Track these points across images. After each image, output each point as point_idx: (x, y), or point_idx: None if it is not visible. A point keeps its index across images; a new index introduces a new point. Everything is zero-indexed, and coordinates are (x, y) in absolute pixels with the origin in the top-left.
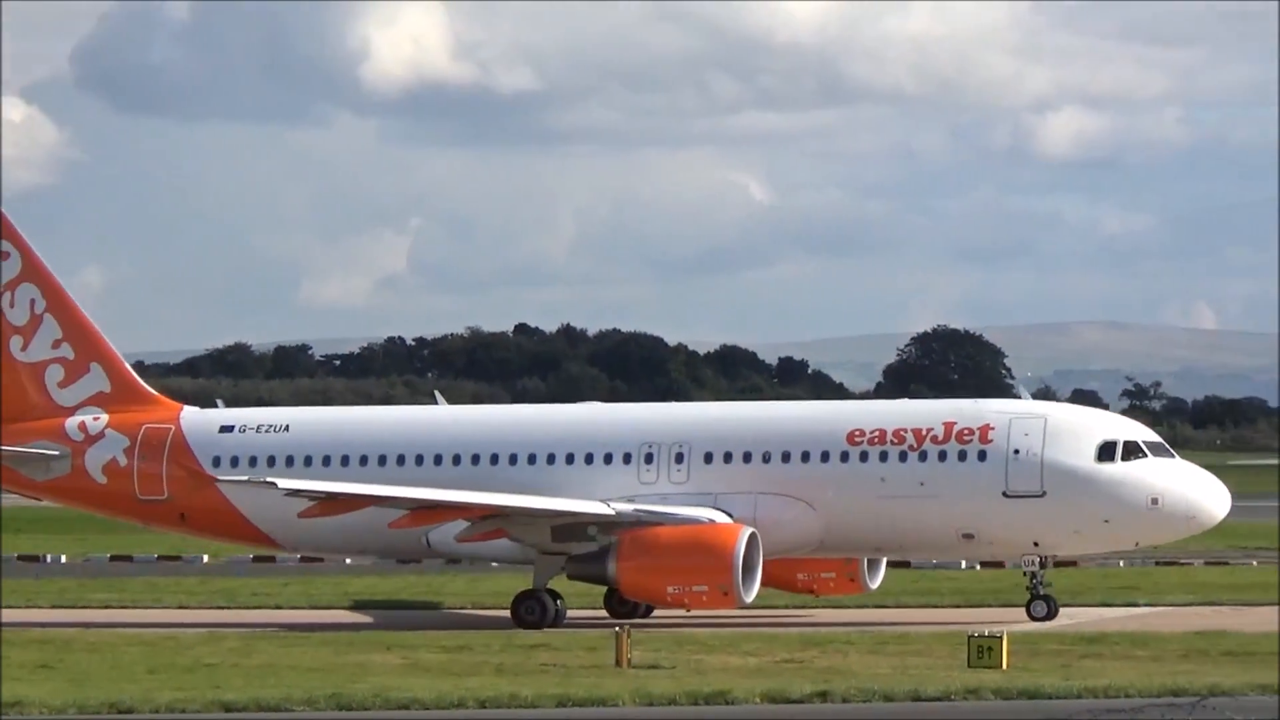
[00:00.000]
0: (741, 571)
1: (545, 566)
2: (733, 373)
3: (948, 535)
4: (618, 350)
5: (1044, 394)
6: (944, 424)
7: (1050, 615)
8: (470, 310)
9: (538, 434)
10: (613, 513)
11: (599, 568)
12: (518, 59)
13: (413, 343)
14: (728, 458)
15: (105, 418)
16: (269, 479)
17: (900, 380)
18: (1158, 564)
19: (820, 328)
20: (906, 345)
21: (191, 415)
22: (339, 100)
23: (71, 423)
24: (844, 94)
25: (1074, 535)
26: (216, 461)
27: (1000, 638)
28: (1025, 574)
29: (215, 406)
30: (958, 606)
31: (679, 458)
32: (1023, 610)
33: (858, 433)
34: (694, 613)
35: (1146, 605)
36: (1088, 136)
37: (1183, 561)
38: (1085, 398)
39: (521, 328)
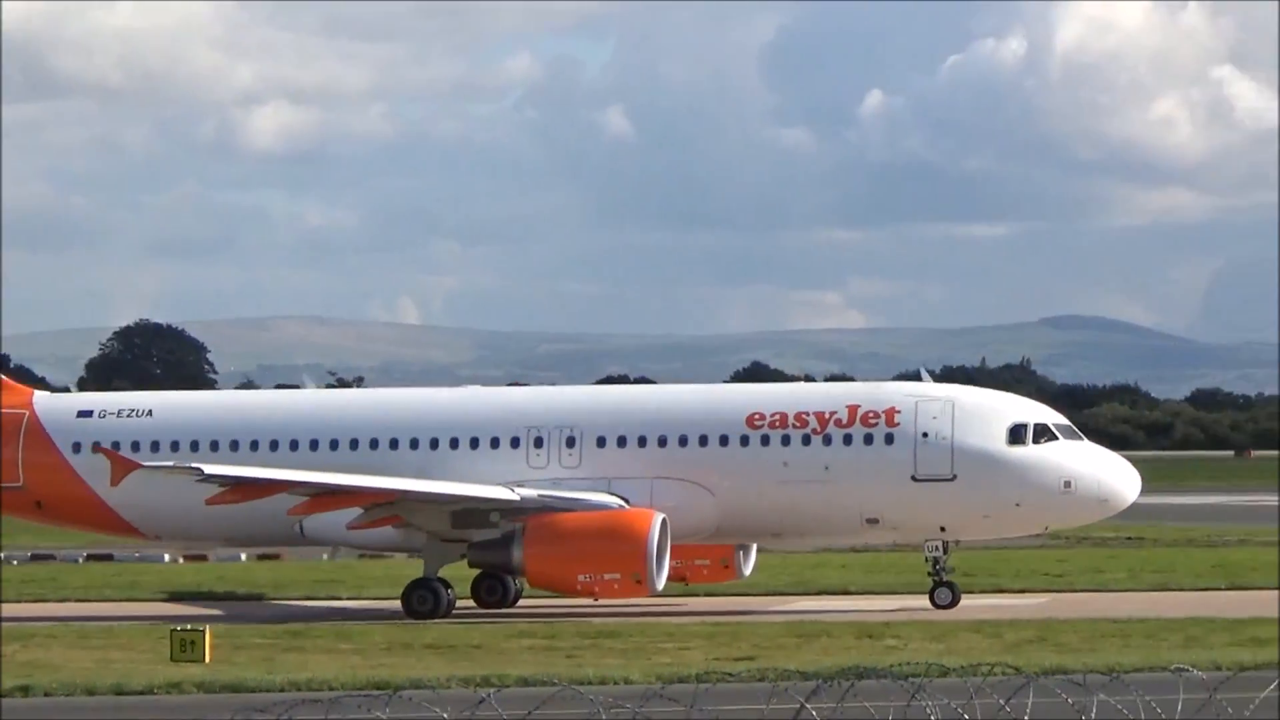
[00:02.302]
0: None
1: (436, 554)
2: None
3: (851, 520)
4: None
5: (246, 388)
6: (848, 407)
7: (954, 602)
8: None
9: (419, 418)
10: (517, 498)
11: (503, 555)
12: None
13: None
14: (622, 441)
15: None
16: (194, 464)
17: (102, 374)
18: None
19: (22, 322)
20: (109, 339)
21: (45, 400)
22: None
23: None
24: (49, 87)
25: (984, 519)
26: (76, 448)
27: (203, 631)
28: (928, 559)
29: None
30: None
31: (570, 441)
32: (925, 598)
33: (757, 416)
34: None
35: None
36: (293, 130)
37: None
38: None
39: None
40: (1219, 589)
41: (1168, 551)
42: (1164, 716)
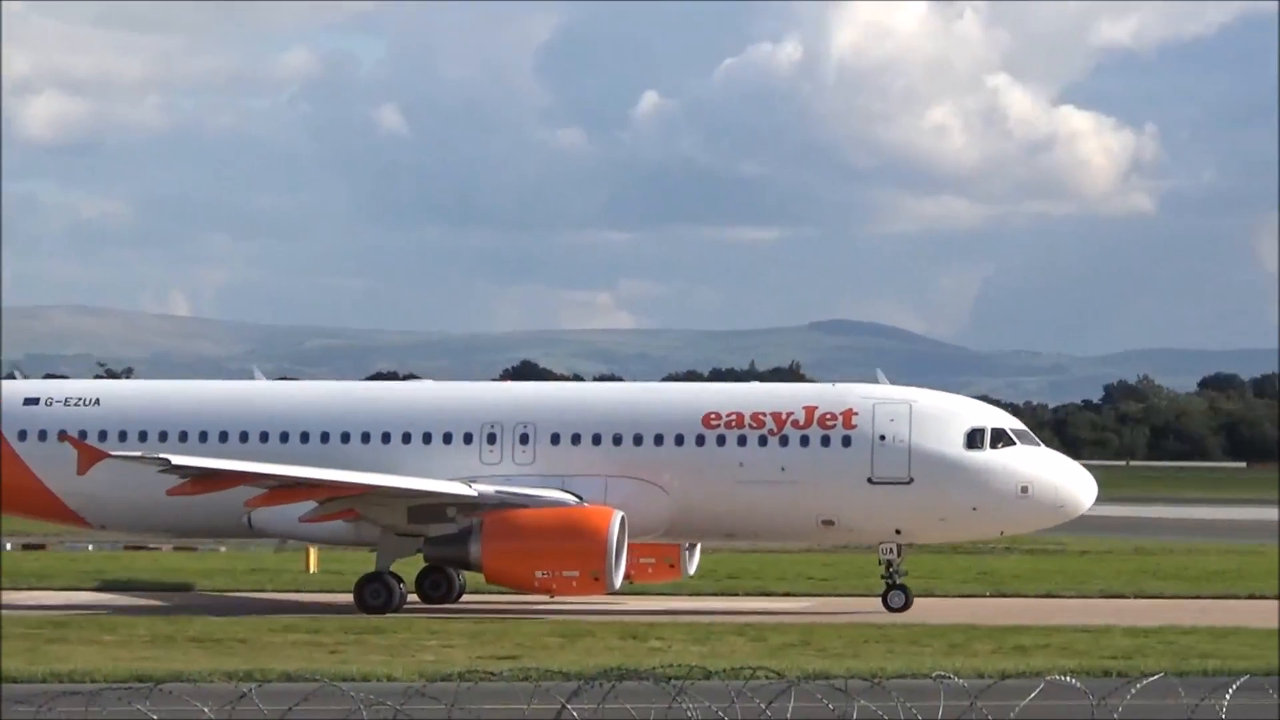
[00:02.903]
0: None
1: (390, 549)
2: None
3: (807, 521)
4: None
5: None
6: (805, 408)
7: (907, 605)
8: None
9: (370, 411)
10: (475, 494)
11: (460, 551)
12: None
13: None
14: (576, 439)
15: None
16: (162, 455)
17: None
18: None
19: None
20: None
21: None
22: None
23: None
24: None
25: (940, 523)
26: (23, 435)
27: None
28: (881, 562)
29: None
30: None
31: (524, 438)
32: (878, 600)
33: (713, 416)
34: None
35: None
36: (67, 121)
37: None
38: None
39: None
40: (983, 596)
41: (932, 558)
42: None
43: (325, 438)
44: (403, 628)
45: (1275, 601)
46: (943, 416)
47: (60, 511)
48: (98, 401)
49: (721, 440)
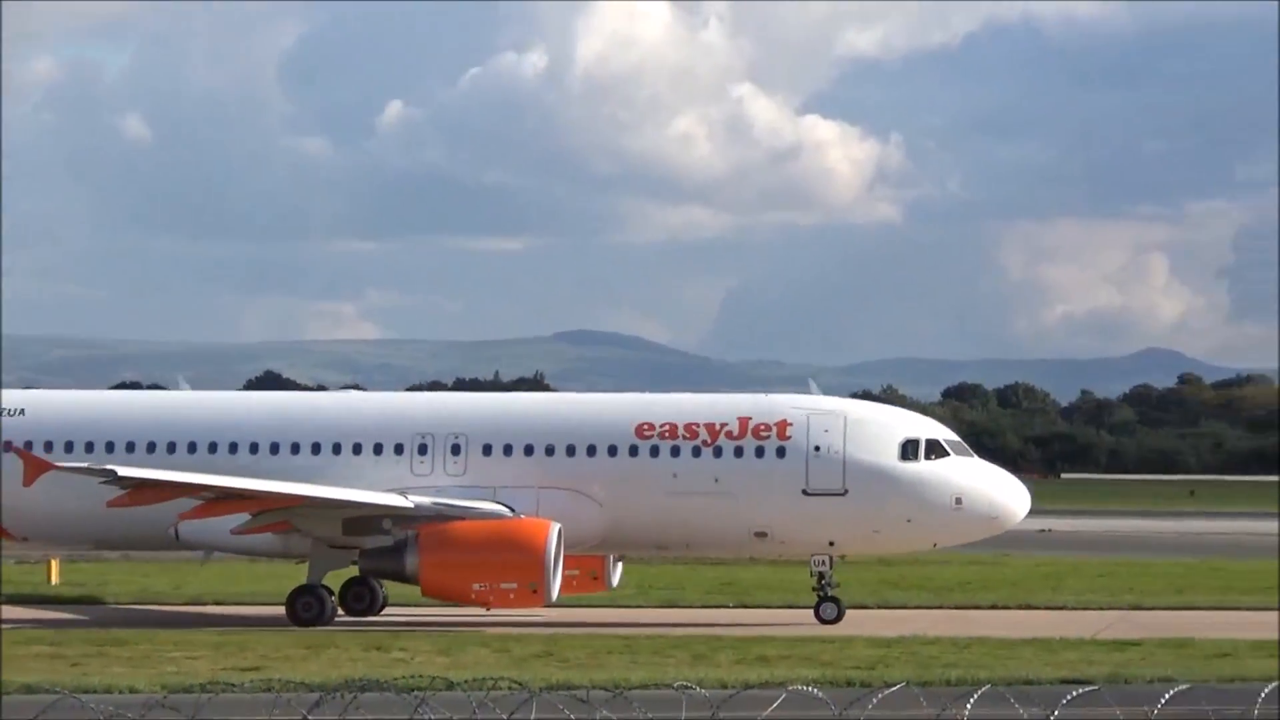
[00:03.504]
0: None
1: (323, 561)
2: None
3: (740, 533)
4: None
5: None
6: (739, 419)
7: (839, 617)
8: None
9: (303, 422)
10: (410, 505)
11: (395, 563)
12: None
13: None
14: (508, 450)
15: None
16: (109, 466)
17: None
18: None
19: None
20: None
21: None
22: None
23: None
24: None
25: (873, 534)
26: None
27: None
28: (813, 574)
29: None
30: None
31: (455, 449)
32: (810, 612)
33: (647, 426)
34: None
35: None
36: None
37: None
38: None
39: None
40: (726, 607)
41: (674, 569)
42: None
43: (255, 448)
44: (145, 640)
45: (1017, 611)
46: (877, 427)
47: None
48: (23, 412)
49: (655, 451)
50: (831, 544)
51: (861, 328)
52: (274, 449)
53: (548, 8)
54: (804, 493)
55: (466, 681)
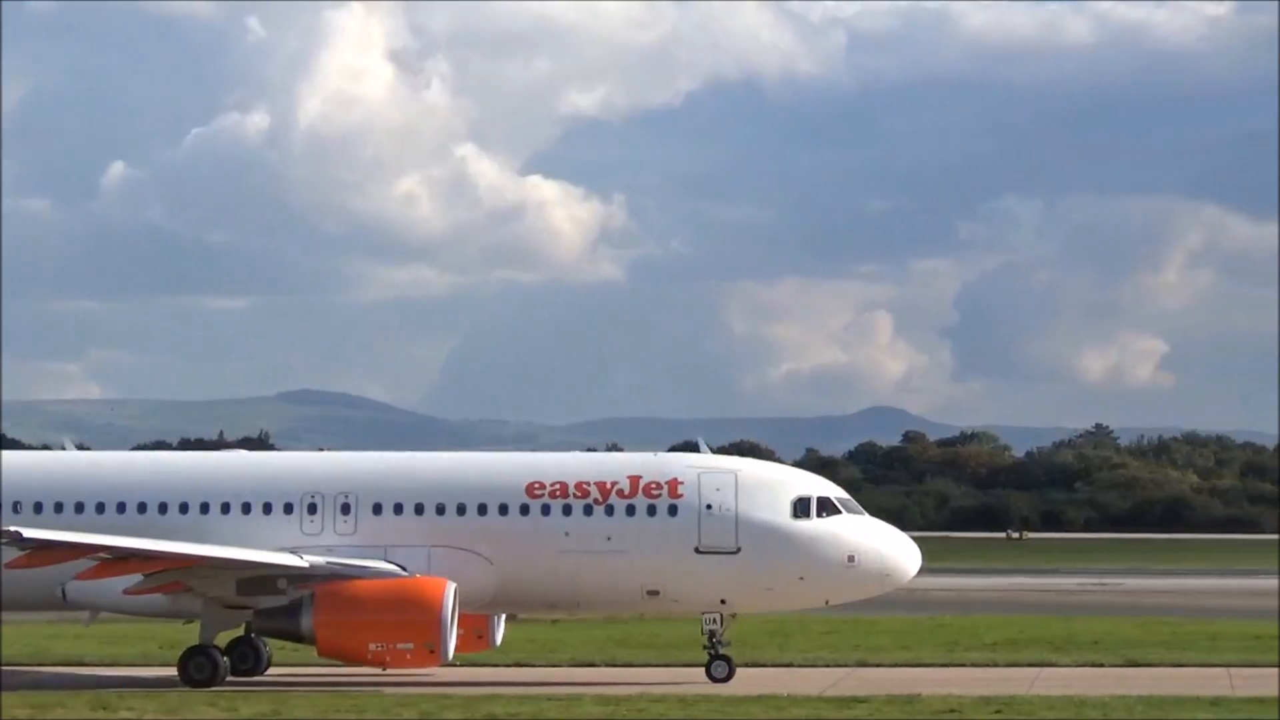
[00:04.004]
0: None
1: (214, 620)
2: None
3: (632, 591)
4: None
5: None
6: (629, 478)
7: (730, 675)
8: None
9: (190, 481)
10: (306, 565)
11: (291, 623)
12: None
13: None
14: (398, 509)
15: None
16: (13, 528)
17: None
18: None
19: None
20: None
21: None
22: None
23: None
24: None
25: (766, 592)
26: None
27: None
28: (704, 632)
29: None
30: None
31: (345, 508)
32: (701, 670)
33: (537, 485)
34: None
35: None
36: None
37: None
38: None
39: None
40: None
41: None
42: None
43: (143, 508)
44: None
45: (745, 668)
46: (769, 485)
47: None
48: None
49: (546, 510)
50: (724, 602)
51: (585, 386)
52: (162, 509)
53: (271, 67)
54: (696, 550)
55: None
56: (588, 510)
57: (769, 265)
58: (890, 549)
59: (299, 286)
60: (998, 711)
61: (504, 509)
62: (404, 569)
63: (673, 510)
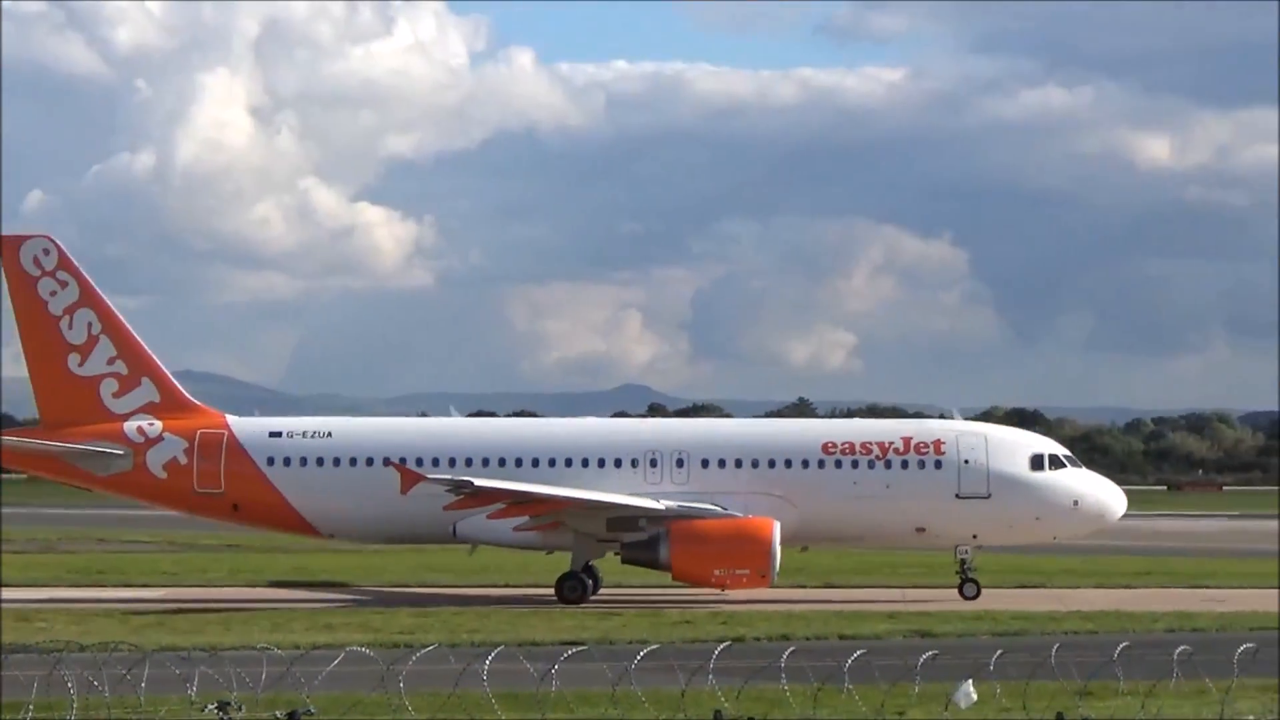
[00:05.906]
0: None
1: (584, 551)
2: None
3: (904, 528)
4: None
5: None
6: (903, 439)
7: (978, 594)
8: None
9: (555, 442)
10: (662, 507)
11: (651, 554)
12: None
13: None
14: (722, 463)
15: (159, 424)
16: (465, 478)
17: None
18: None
19: None
20: None
21: (240, 422)
22: None
23: (130, 426)
24: None
25: (1009, 529)
26: (270, 461)
27: None
28: (958, 560)
29: (253, 415)
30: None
31: (679, 463)
32: (955, 590)
33: (830, 445)
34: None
35: None
36: None
37: None
38: None
39: None
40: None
41: (258, 556)
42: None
43: (519, 463)
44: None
45: (525, 588)
46: (1011, 444)
47: (298, 523)
48: (329, 434)
49: (839, 464)
50: (975, 536)
51: (404, 367)
52: (534, 463)
53: (155, 118)
54: (956, 496)
55: (94, 645)
56: (871, 464)
57: (544, 273)
58: (1105, 495)
59: (177, 290)
60: (724, 622)
61: (805, 464)
62: (725, 510)
63: (938, 465)
